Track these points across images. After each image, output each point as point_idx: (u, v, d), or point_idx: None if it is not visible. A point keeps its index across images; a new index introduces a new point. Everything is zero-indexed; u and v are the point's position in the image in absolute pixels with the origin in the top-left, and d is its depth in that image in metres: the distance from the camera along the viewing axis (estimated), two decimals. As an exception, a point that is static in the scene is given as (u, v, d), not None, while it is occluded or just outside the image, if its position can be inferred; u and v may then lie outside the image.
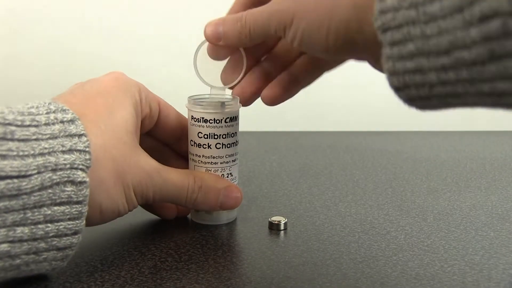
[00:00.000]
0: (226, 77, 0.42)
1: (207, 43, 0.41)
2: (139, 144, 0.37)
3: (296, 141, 0.72)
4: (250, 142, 0.70)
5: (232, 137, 0.42)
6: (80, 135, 0.31)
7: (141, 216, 0.44)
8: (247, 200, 0.48)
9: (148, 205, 0.42)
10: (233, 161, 0.43)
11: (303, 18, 0.33)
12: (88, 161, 0.31)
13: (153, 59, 0.79)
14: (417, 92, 0.27)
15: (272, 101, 0.41)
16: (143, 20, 0.77)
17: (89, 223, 0.33)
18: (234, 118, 0.42)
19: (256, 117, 0.77)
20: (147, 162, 0.36)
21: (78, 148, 0.30)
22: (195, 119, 0.41)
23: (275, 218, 0.43)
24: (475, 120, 0.85)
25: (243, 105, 0.42)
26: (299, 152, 0.67)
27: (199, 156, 0.42)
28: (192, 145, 0.42)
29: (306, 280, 0.34)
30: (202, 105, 0.41)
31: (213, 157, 0.42)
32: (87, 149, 0.31)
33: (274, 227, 0.42)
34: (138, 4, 0.77)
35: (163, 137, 0.43)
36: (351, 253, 0.38)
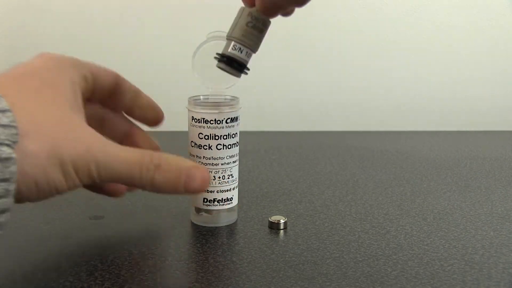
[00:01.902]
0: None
1: (206, 44, 0.41)
2: (89, 124, 0.34)
3: (296, 141, 0.72)
4: (250, 142, 0.70)
5: (233, 137, 0.42)
6: (4, 111, 0.28)
7: (141, 215, 0.44)
8: (247, 200, 0.49)
9: (96, 187, 0.39)
10: (234, 162, 0.43)
11: None
12: (15, 136, 0.28)
13: (153, 59, 0.79)
14: None
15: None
16: (143, 21, 0.78)
17: (28, 199, 0.31)
18: (234, 119, 0.42)
19: (256, 117, 0.77)
20: (88, 137, 0.32)
21: (2, 123, 0.28)
22: (195, 120, 0.41)
23: (275, 218, 0.43)
24: (475, 120, 0.85)
25: None
26: (299, 152, 0.67)
27: (200, 157, 0.42)
28: (192, 146, 0.42)
29: (306, 279, 0.34)
30: (202, 106, 0.41)
31: (214, 158, 0.42)
32: (12, 124, 0.28)
33: (274, 227, 0.43)
34: (139, 5, 0.77)
35: (103, 101, 0.40)
36: (351, 252, 0.38)
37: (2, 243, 0.38)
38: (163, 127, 0.75)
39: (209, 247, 0.39)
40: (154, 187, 0.33)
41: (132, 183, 0.33)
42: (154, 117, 0.42)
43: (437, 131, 0.82)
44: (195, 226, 0.43)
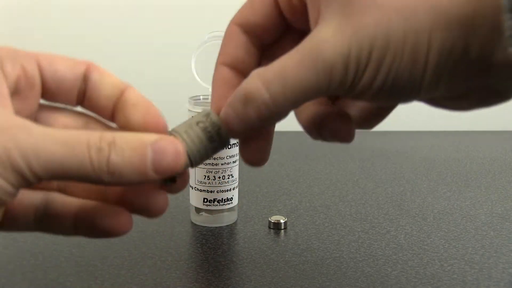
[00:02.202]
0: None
1: (206, 44, 0.41)
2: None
3: (296, 141, 0.72)
4: (250, 142, 0.70)
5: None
6: None
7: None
8: (247, 200, 0.49)
9: (46, 217, 0.27)
10: (234, 162, 0.43)
11: (386, 52, 0.23)
12: None
13: (153, 59, 0.79)
14: None
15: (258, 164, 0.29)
16: (144, 21, 0.78)
17: None
18: (234, 118, 0.42)
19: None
20: (1, 118, 0.23)
21: None
22: (195, 119, 0.41)
23: (275, 218, 0.43)
24: (475, 120, 0.85)
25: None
26: (299, 152, 0.67)
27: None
28: (192, 145, 0.42)
29: (306, 279, 0.34)
30: (202, 106, 0.41)
31: (214, 158, 0.42)
32: None
33: (274, 227, 0.43)
34: (139, 5, 0.77)
35: (59, 97, 0.28)
36: (351, 252, 0.38)
37: (2, 243, 0.38)
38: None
39: (209, 247, 0.39)
40: (113, 174, 0.23)
41: (82, 176, 0.23)
42: (145, 121, 0.27)
43: (437, 131, 0.82)
44: (195, 226, 0.43)
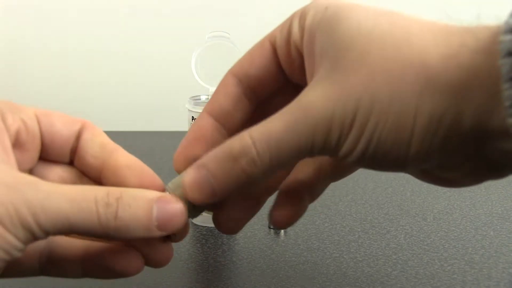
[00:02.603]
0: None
1: (206, 44, 0.41)
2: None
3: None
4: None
5: (232, 137, 0.42)
6: None
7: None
8: (247, 200, 0.48)
9: (52, 262, 0.27)
10: (233, 161, 0.43)
11: (370, 116, 0.22)
12: None
13: (153, 59, 0.79)
14: None
15: (287, 224, 0.28)
16: (144, 21, 0.78)
17: None
18: (234, 118, 0.42)
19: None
20: (8, 173, 0.23)
21: None
22: (195, 120, 0.41)
23: (275, 218, 0.43)
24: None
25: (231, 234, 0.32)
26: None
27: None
28: (192, 145, 0.42)
29: (306, 279, 0.34)
30: (202, 106, 0.41)
31: (213, 157, 0.42)
32: None
33: (274, 227, 0.43)
34: (139, 5, 0.77)
35: (53, 152, 0.28)
36: (351, 252, 0.38)
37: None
38: (163, 127, 0.75)
39: (209, 247, 0.39)
40: (119, 229, 0.23)
41: (89, 231, 0.23)
42: (141, 183, 0.26)
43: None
44: (195, 226, 0.43)
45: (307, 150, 0.23)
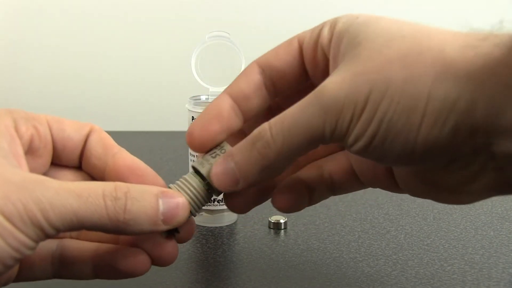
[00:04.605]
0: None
1: (206, 44, 0.41)
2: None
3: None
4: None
5: (232, 137, 0.42)
6: None
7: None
8: (247, 200, 0.48)
9: (64, 264, 0.27)
10: (233, 161, 0.43)
11: (383, 96, 0.22)
12: None
13: (153, 59, 0.79)
14: None
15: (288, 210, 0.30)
16: (144, 21, 0.78)
17: None
18: (234, 118, 0.42)
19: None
20: (16, 173, 0.24)
21: None
22: (195, 119, 0.41)
23: (275, 218, 0.43)
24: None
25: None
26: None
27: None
28: (192, 145, 0.42)
29: (306, 279, 0.34)
30: (202, 106, 0.41)
31: (213, 157, 0.42)
32: None
33: (274, 227, 0.43)
34: (139, 5, 0.77)
35: (64, 157, 0.29)
36: (351, 252, 0.38)
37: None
38: (163, 127, 0.75)
39: (209, 247, 0.39)
40: (128, 223, 0.24)
41: (98, 225, 0.24)
42: (144, 183, 0.26)
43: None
44: (195, 226, 0.43)
45: (318, 133, 0.24)
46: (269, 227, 0.43)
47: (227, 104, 0.28)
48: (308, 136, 0.24)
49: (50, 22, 0.77)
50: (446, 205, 0.48)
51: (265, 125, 0.25)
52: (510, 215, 0.46)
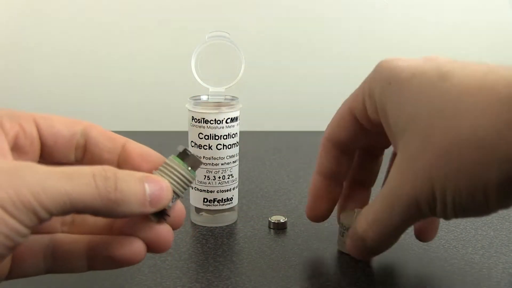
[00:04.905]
0: None
1: (206, 44, 0.41)
2: None
3: (296, 141, 0.72)
4: (250, 142, 0.70)
5: (233, 137, 0.42)
6: None
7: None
8: (247, 200, 0.49)
9: (56, 258, 0.28)
10: (234, 162, 0.43)
11: (445, 191, 0.27)
12: None
13: (153, 59, 0.79)
14: None
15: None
16: (144, 21, 0.78)
17: None
18: (234, 119, 0.42)
19: (256, 117, 0.77)
20: (4, 162, 0.24)
21: None
22: (195, 120, 0.41)
23: (275, 218, 0.43)
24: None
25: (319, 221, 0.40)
26: (299, 152, 0.67)
27: (200, 157, 0.42)
28: (192, 146, 0.42)
29: (306, 279, 0.35)
30: (202, 106, 0.41)
31: (214, 158, 0.42)
32: None
33: (274, 227, 0.43)
34: (139, 4, 0.77)
35: (57, 152, 0.29)
36: (351, 252, 0.38)
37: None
38: (163, 127, 0.75)
39: (209, 247, 0.39)
40: (118, 202, 0.24)
41: (90, 205, 0.24)
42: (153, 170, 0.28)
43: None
44: (195, 226, 0.43)
45: (408, 223, 0.30)
46: (269, 227, 0.43)
47: (322, 185, 0.38)
48: (401, 229, 0.31)
49: (50, 22, 0.77)
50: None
51: (364, 225, 0.32)
52: (510, 215, 0.46)
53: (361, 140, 0.35)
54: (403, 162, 0.29)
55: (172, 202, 0.27)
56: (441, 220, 0.44)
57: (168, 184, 0.26)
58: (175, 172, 0.27)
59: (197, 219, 0.43)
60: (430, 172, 0.27)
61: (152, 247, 0.27)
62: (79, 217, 0.29)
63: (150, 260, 0.37)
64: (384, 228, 0.31)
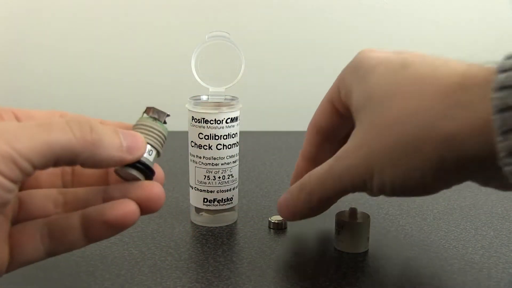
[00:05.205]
0: None
1: (205, 44, 0.41)
2: None
3: (296, 141, 0.72)
4: (250, 142, 0.70)
5: (233, 137, 0.42)
6: None
7: (141, 215, 0.44)
8: (247, 200, 0.49)
9: (54, 238, 0.27)
10: (234, 162, 0.43)
11: (384, 166, 0.29)
12: None
13: (153, 59, 0.79)
14: None
15: None
16: (144, 21, 0.78)
17: None
18: (234, 119, 0.42)
19: (256, 117, 0.77)
20: None
21: None
22: (195, 120, 0.41)
23: (275, 218, 0.43)
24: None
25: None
26: (299, 152, 0.67)
27: (200, 157, 0.42)
28: (192, 146, 0.42)
29: (306, 279, 0.34)
30: (202, 106, 0.41)
31: (214, 158, 0.42)
32: None
33: (274, 227, 0.43)
34: (139, 5, 0.77)
35: None
36: (351, 252, 0.38)
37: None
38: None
39: (209, 247, 0.39)
40: (96, 144, 0.24)
41: (68, 149, 0.24)
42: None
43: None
44: (195, 226, 0.43)
45: (342, 190, 0.32)
46: (269, 227, 0.43)
47: (303, 167, 0.40)
48: (333, 194, 0.33)
49: (50, 22, 0.77)
50: (446, 205, 0.48)
51: (306, 177, 0.35)
52: (510, 215, 0.46)
53: (341, 128, 0.37)
54: (353, 136, 0.31)
55: (149, 154, 0.27)
56: (441, 220, 0.44)
57: (140, 134, 0.27)
58: (143, 126, 0.28)
59: (197, 219, 0.43)
60: (371, 147, 0.29)
61: (145, 207, 0.27)
62: (71, 195, 0.29)
63: (150, 260, 0.37)
64: (320, 186, 0.33)
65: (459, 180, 0.28)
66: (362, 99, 0.31)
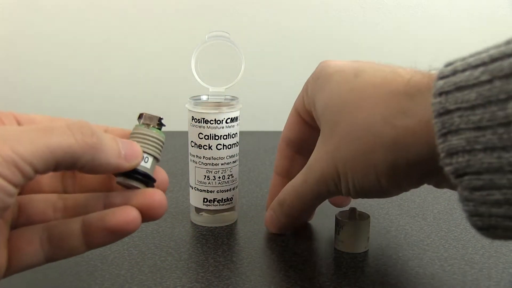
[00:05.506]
0: None
1: (205, 44, 0.41)
2: None
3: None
4: (250, 142, 0.70)
5: (233, 137, 0.42)
6: None
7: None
8: (247, 200, 0.49)
9: (53, 243, 0.27)
10: (234, 162, 0.43)
11: (346, 171, 0.31)
12: None
13: (153, 59, 0.79)
14: (505, 233, 0.25)
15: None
16: (144, 21, 0.78)
17: None
18: (234, 119, 0.42)
19: (256, 117, 0.77)
20: None
21: None
22: (195, 120, 0.41)
23: (275, 218, 0.43)
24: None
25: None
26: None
27: (200, 157, 0.42)
28: (192, 146, 0.42)
29: (306, 279, 0.34)
30: (202, 106, 0.41)
31: (214, 158, 0.42)
32: None
33: (274, 227, 0.42)
34: (139, 5, 0.77)
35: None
36: (351, 252, 0.38)
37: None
38: (164, 127, 0.75)
39: (209, 247, 0.39)
40: (96, 147, 0.25)
41: (69, 153, 0.24)
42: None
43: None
44: (195, 226, 0.43)
45: (320, 196, 0.35)
46: (269, 227, 0.43)
47: (278, 183, 0.41)
48: (311, 201, 0.36)
49: (50, 21, 0.77)
50: (446, 205, 0.48)
51: (282, 193, 0.38)
52: (510, 215, 0.46)
53: (310, 139, 0.38)
54: (318, 144, 0.34)
55: (145, 161, 0.27)
56: (441, 220, 0.44)
57: (135, 143, 0.27)
58: (138, 134, 0.28)
59: (197, 219, 0.43)
60: (334, 154, 0.32)
61: (147, 213, 0.27)
62: (71, 201, 0.29)
63: (150, 260, 0.37)
64: (298, 198, 0.36)
65: (412, 184, 0.31)
66: (321, 108, 0.33)
